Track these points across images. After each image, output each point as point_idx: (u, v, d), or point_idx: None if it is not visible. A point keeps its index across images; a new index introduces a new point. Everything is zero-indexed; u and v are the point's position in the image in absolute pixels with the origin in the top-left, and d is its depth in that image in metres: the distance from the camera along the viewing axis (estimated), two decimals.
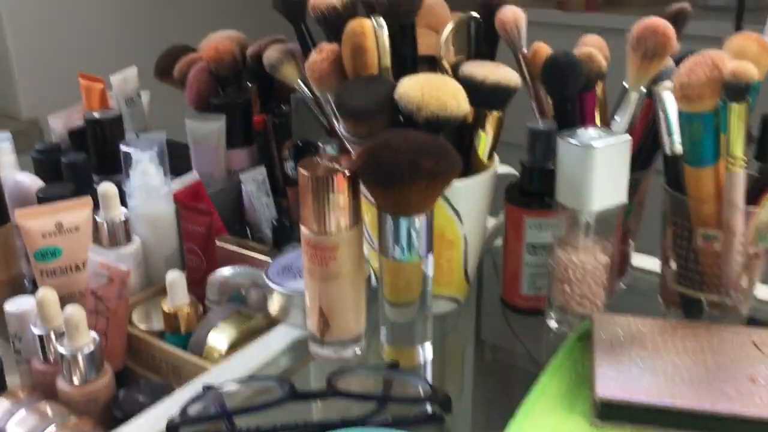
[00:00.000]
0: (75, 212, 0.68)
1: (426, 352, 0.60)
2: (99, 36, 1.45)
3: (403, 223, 0.55)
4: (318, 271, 0.57)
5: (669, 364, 0.53)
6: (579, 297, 0.61)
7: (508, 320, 0.67)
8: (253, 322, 0.64)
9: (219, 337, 0.62)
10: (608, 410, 0.51)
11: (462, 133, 0.62)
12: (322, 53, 0.61)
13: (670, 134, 0.60)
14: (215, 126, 0.81)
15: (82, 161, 0.76)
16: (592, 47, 0.64)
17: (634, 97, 0.61)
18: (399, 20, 0.62)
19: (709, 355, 0.54)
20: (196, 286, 0.70)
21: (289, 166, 0.82)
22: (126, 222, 0.70)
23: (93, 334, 0.58)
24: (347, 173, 0.54)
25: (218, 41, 0.84)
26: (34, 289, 0.69)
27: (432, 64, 0.66)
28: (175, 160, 0.81)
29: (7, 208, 0.71)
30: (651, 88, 0.62)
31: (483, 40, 0.66)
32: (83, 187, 0.74)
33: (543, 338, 0.65)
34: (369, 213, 0.62)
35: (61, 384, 0.58)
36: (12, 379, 0.64)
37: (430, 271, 0.57)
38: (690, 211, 0.59)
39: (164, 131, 0.85)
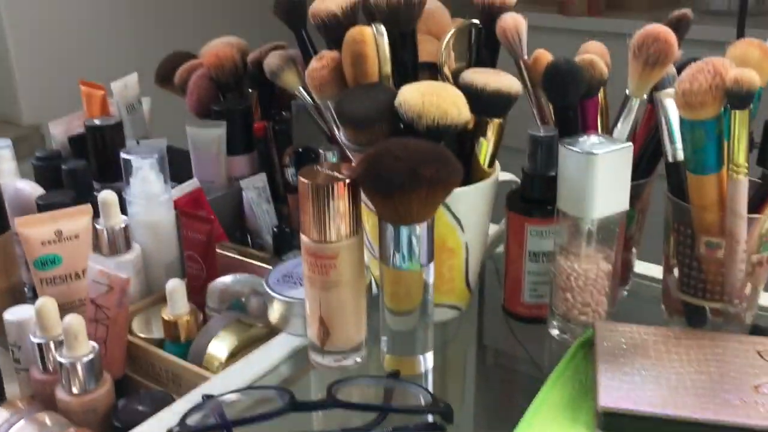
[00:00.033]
0: (75, 220, 0.68)
1: (427, 361, 0.60)
2: (100, 42, 1.45)
3: (404, 231, 0.54)
4: (318, 280, 0.57)
5: (672, 373, 0.53)
6: (581, 305, 0.61)
7: (510, 327, 0.67)
8: (254, 331, 0.64)
9: (219, 346, 0.62)
10: (611, 420, 0.50)
11: (463, 140, 0.62)
12: (321, 61, 0.61)
13: (672, 141, 0.60)
14: (216, 133, 0.81)
15: (82, 168, 0.76)
16: (594, 54, 0.64)
17: (635, 104, 0.61)
18: (399, 27, 0.61)
19: (713, 364, 0.54)
20: (197, 294, 0.70)
21: (289, 172, 0.82)
22: (126, 229, 0.70)
23: (92, 343, 0.58)
24: (347, 181, 0.54)
25: (219, 47, 0.84)
26: (34, 297, 0.69)
27: (433, 71, 0.66)
28: (176, 166, 0.81)
29: (6, 215, 0.71)
30: (653, 95, 0.62)
31: (484, 46, 0.66)
32: (83, 195, 0.74)
33: (545, 346, 0.65)
34: (370, 220, 0.62)
35: (60, 394, 0.57)
36: (11, 389, 0.64)
37: (431, 279, 0.57)
38: (693, 219, 0.59)
39: (165, 138, 0.85)
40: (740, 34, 1.52)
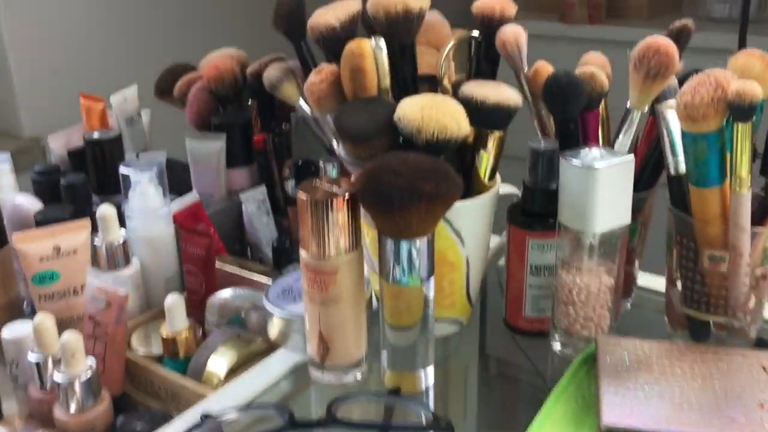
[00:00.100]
0: (73, 235, 0.67)
1: (428, 376, 0.59)
2: (100, 54, 1.45)
3: (404, 246, 0.54)
4: (318, 296, 0.56)
5: (676, 389, 0.52)
6: (583, 319, 0.60)
7: (513, 341, 0.66)
8: (253, 346, 0.63)
9: (218, 362, 0.61)
10: None
11: (463, 153, 0.61)
12: (320, 74, 0.61)
13: (674, 154, 0.60)
14: (215, 145, 0.80)
15: (81, 182, 0.76)
16: (594, 65, 0.63)
17: (636, 117, 0.61)
18: (399, 40, 0.61)
19: (717, 380, 0.53)
20: (196, 308, 0.70)
21: (289, 185, 0.81)
22: (125, 244, 0.69)
23: (90, 360, 0.57)
24: (346, 196, 0.53)
25: (218, 60, 0.83)
26: (33, 312, 0.68)
27: (432, 83, 0.65)
28: (176, 179, 0.81)
29: (5, 230, 0.71)
30: (654, 107, 0.61)
31: (484, 58, 0.66)
32: (82, 209, 0.74)
33: (547, 361, 0.64)
34: (369, 234, 0.62)
35: (58, 412, 0.57)
36: (9, 406, 0.63)
37: (431, 294, 0.57)
38: (695, 232, 0.58)
39: (165, 151, 0.84)
40: (742, 42, 1.51)
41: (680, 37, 0.63)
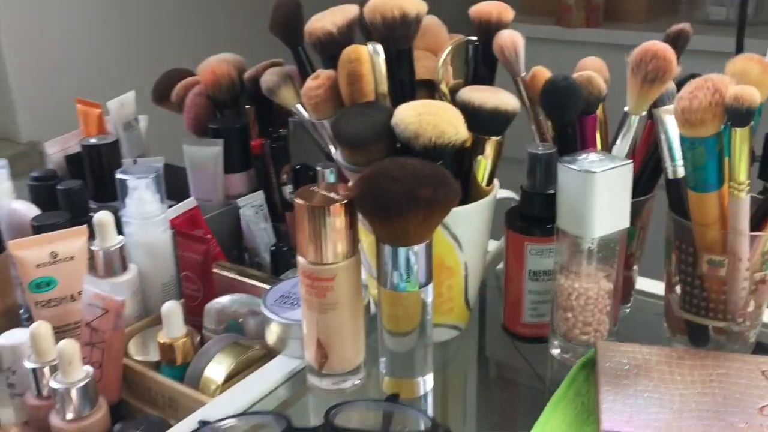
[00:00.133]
0: (70, 241, 0.67)
1: (426, 383, 0.59)
2: (98, 59, 1.45)
3: (402, 252, 0.54)
4: (315, 302, 0.56)
5: (676, 395, 0.52)
6: (582, 325, 0.60)
7: (512, 346, 0.66)
8: (251, 353, 0.63)
9: (216, 369, 0.61)
10: None
11: (461, 158, 0.61)
12: (317, 80, 0.60)
13: (672, 158, 0.59)
14: (213, 151, 0.80)
15: (77, 188, 0.75)
16: (592, 69, 0.63)
17: (634, 122, 0.61)
18: (396, 45, 0.61)
19: (717, 385, 0.53)
20: (194, 314, 0.69)
21: (287, 190, 0.81)
22: (122, 250, 0.69)
23: (87, 368, 0.57)
24: (344, 202, 0.53)
25: (215, 65, 0.83)
26: (30, 319, 0.68)
27: (430, 88, 0.65)
28: (174, 184, 0.81)
29: (2, 237, 0.70)
30: (652, 112, 0.61)
31: (481, 63, 0.66)
32: (79, 215, 0.74)
33: (546, 366, 0.64)
34: (367, 239, 0.61)
35: (55, 420, 0.56)
36: (6, 414, 0.63)
37: (429, 300, 0.56)
38: (694, 237, 0.58)
39: (162, 157, 0.84)
40: (739, 44, 1.51)
41: (678, 41, 0.63)
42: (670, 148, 0.59)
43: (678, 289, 0.61)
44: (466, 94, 0.59)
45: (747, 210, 0.56)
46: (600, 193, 0.56)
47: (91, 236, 0.69)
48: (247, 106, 0.85)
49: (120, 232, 0.70)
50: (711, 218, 0.56)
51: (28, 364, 0.59)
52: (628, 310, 0.70)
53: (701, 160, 0.55)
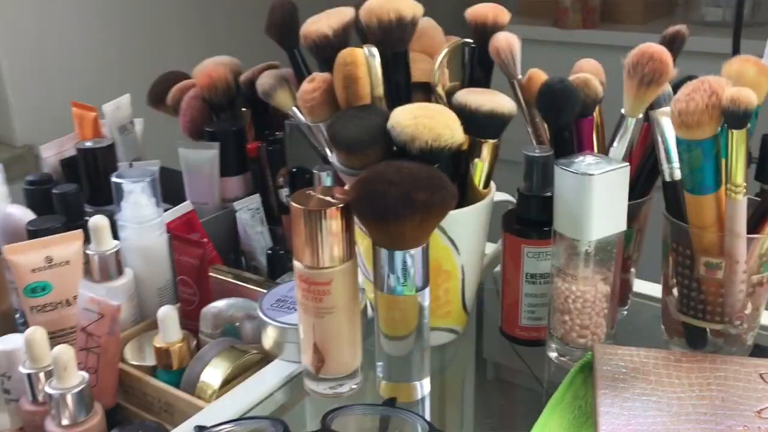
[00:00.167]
0: (65, 246, 0.67)
1: (424, 387, 0.58)
2: (94, 62, 1.45)
3: (398, 256, 0.53)
4: (312, 306, 0.56)
5: (674, 399, 0.52)
6: (579, 328, 0.60)
7: (510, 349, 0.66)
8: (248, 357, 0.63)
9: (212, 374, 0.61)
10: None
11: (458, 161, 0.61)
12: (313, 83, 0.60)
13: (669, 160, 0.59)
14: (209, 154, 0.80)
15: (73, 192, 0.75)
16: (588, 72, 0.63)
17: (631, 124, 0.60)
18: (392, 48, 0.61)
19: (715, 388, 0.53)
20: (190, 319, 0.69)
21: (283, 193, 0.81)
22: (118, 254, 0.69)
23: (82, 373, 0.57)
24: (340, 206, 0.53)
25: (211, 68, 0.83)
26: (26, 324, 0.68)
27: (426, 91, 0.65)
28: (170, 188, 0.80)
29: None
30: (649, 114, 0.61)
31: (478, 65, 0.65)
32: (75, 219, 0.73)
33: (544, 370, 0.64)
34: (363, 242, 0.61)
35: (50, 425, 0.56)
36: (1, 419, 0.62)
37: (426, 303, 0.56)
38: (691, 239, 0.58)
39: (158, 160, 0.84)
40: (736, 45, 1.51)
41: (674, 43, 0.63)
42: (667, 151, 0.59)
43: (675, 291, 0.61)
44: (463, 97, 0.59)
45: (744, 212, 0.56)
46: (597, 195, 0.56)
47: (87, 240, 0.68)
48: (243, 109, 0.85)
49: (115, 236, 0.70)
50: (708, 221, 0.56)
51: (23, 370, 0.58)
52: (625, 312, 0.70)
53: (698, 162, 0.55)
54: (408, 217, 0.51)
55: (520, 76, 0.64)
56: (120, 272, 0.69)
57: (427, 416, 0.58)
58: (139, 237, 0.70)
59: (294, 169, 0.79)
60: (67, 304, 0.66)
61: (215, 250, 0.77)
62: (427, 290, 0.56)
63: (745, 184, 0.55)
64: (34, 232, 0.69)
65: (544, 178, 0.61)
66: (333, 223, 0.53)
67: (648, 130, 0.64)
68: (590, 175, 0.55)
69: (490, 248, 0.71)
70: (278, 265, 0.76)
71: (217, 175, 0.81)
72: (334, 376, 0.58)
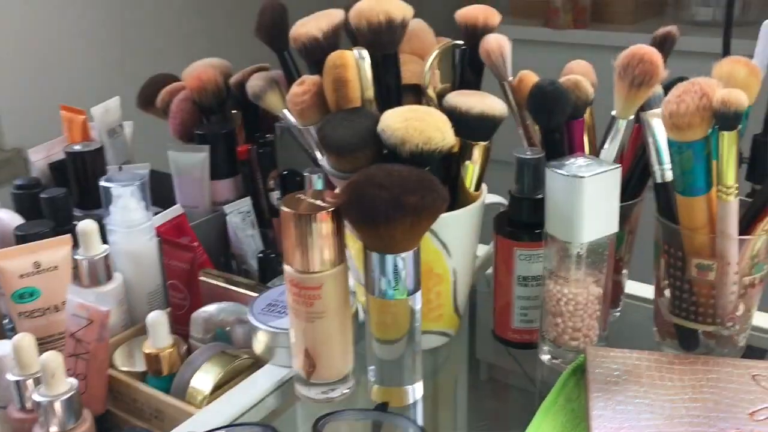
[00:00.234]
0: (53, 251, 0.66)
1: (416, 391, 0.58)
2: (83, 65, 1.44)
3: (389, 260, 0.53)
4: (302, 311, 0.55)
5: (667, 401, 0.52)
6: (572, 330, 0.60)
7: (503, 351, 0.66)
8: (239, 362, 0.62)
9: (203, 379, 0.60)
10: None
11: (448, 163, 0.61)
12: (303, 86, 0.60)
13: (660, 162, 0.59)
14: (199, 157, 0.79)
15: (61, 196, 0.74)
16: (579, 73, 0.63)
17: (622, 125, 0.60)
18: (382, 50, 0.60)
19: (708, 391, 0.53)
20: (181, 323, 0.69)
21: (274, 196, 0.81)
22: (107, 259, 0.68)
23: (71, 380, 0.56)
24: (331, 210, 0.53)
25: (201, 70, 0.82)
26: (14, 330, 0.67)
27: (417, 93, 0.65)
28: (160, 191, 0.80)
29: None
30: (639, 115, 0.61)
31: (468, 67, 0.65)
32: (64, 223, 0.73)
33: (536, 372, 0.63)
34: (355, 246, 0.61)
35: None
36: None
37: (418, 307, 0.56)
38: (683, 241, 0.58)
39: (148, 163, 0.83)
40: (726, 45, 1.52)
41: (665, 44, 0.63)
42: (658, 152, 0.59)
43: (667, 293, 0.61)
44: (453, 99, 0.59)
45: (735, 214, 0.55)
46: (588, 198, 0.55)
47: (75, 245, 0.68)
48: (233, 112, 0.84)
49: (105, 240, 0.69)
50: (699, 222, 0.56)
51: (11, 377, 0.58)
52: (617, 314, 0.70)
53: (689, 164, 0.54)
54: (398, 221, 0.51)
55: (510, 78, 0.63)
56: (109, 277, 0.68)
57: (420, 420, 0.57)
58: (128, 241, 0.70)
59: (285, 172, 0.78)
60: (55, 309, 0.66)
61: (206, 253, 0.76)
62: (418, 294, 0.55)
63: (736, 185, 0.55)
64: (22, 237, 0.69)
65: (536, 180, 0.61)
66: (323, 227, 0.53)
67: (639, 131, 0.64)
68: (581, 177, 0.55)
69: (483, 250, 0.71)
70: (269, 269, 0.76)
71: (208, 178, 0.80)
72: (326, 380, 0.57)
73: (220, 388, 0.60)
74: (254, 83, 0.73)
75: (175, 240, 0.71)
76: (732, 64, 0.57)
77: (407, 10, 0.60)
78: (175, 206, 0.77)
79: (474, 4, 0.64)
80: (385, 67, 0.61)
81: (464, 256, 0.63)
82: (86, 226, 0.67)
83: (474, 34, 0.63)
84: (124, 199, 0.69)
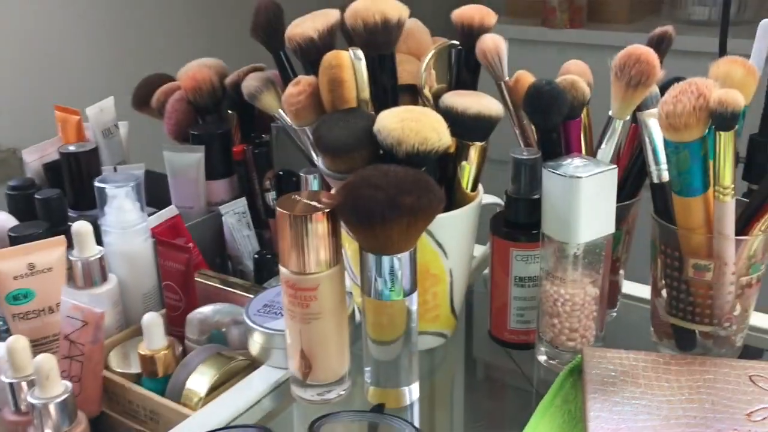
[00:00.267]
0: (48, 252, 0.66)
1: (412, 392, 0.58)
2: (78, 64, 1.43)
3: (386, 261, 0.53)
4: (298, 312, 0.55)
5: (664, 402, 0.52)
6: (569, 331, 0.60)
7: (500, 351, 0.66)
8: (234, 364, 0.62)
9: (198, 381, 0.60)
10: None
11: (445, 163, 0.61)
12: (298, 86, 0.59)
13: (656, 162, 0.59)
14: (194, 157, 0.79)
15: (56, 197, 0.74)
16: (575, 73, 0.63)
17: (618, 126, 0.60)
18: (378, 50, 0.60)
19: (705, 391, 0.53)
20: (176, 324, 0.68)
21: (270, 196, 0.80)
22: (102, 260, 0.68)
23: (65, 382, 0.56)
24: (326, 211, 0.52)
25: (196, 70, 0.82)
26: (8, 332, 0.67)
27: (413, 93, 0.65)
28: (156, 191, 0.79)
29: None
30: (636, 115, 0.61)
31: (464, 67, 0.65)
32: (58, 224, 0.72)
33: (533, 373, 0.63)
34: (351, 246, 0.61)
35: None
36: None
37: (414, 308, 0.56)
38: (680, 241, 0.58)
39: (143, 164, 0.83)
40: (722, 44, 1.52)
41: (661, 44, 0.63)
42: (655, 152, 0.59)
43: (664, 293, 0.61)
44: (449, 100, 0.59)
45: (732, 214, 0.55)
46: (585, 198, 0.55)
47: (70, 246, 0.67)
48: (229, 111, 0.84)
49: (99, 241, 0.69)
50: (696, 222, 0.56)
51: (5, 379, 0.57)
52: (614, 314, 0.69)
53: (686, 164, 0.54)
54: (395, 222, 0.50)
55: (507, 78, 0.63)
56: (104, 278, 0.68)
57: (416, 422, 0.57)
58: (123, 242, 0.69)
59: (280, 172, 0.78)
60: (50, 311, 0.65)
61: (201, 254, 0.76)
62: (415, 294, 0.55)
63: (733, 185, 0.55)
64: (16, 238, 0.68)
65: (532, 180, 0.61)
66: (319, 228, 0.53)
67: (636, 131, 0.64)
68: (578, 177, 0.55)
69: (480, 250, 0.71)
70: (265, 269, 0.76)
71: (203, 179, 0.80)
72: (322, 382, 0.57)
73: (215, 389, 0.60)
74: (250, 83, 0.72)
75: (170, 241, 0.71)
76: (729, 64, 0.57)
77: (403, 10, 0.60)
78: (170, 207, 0.76)
79: (470, 4, 0.64)
80: (381, 67, 0.61)
81: (461, 256, 0.63)
82: (81, 227, 0.67)
83: (470, 34, 0.63)
84: (118, 200, 0.69)
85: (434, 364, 0.65)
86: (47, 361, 0.54)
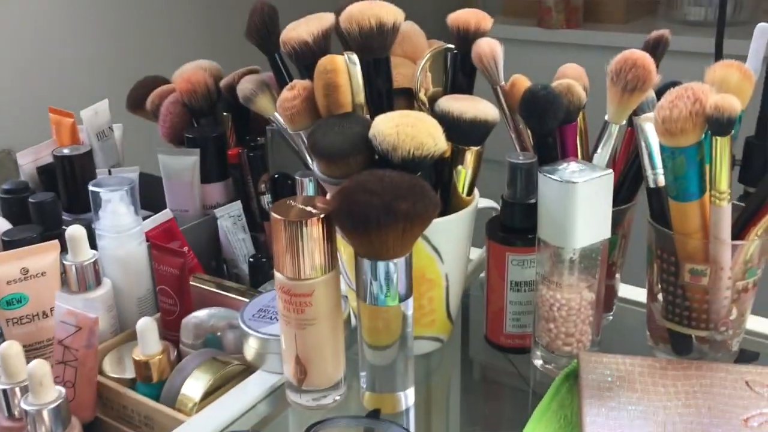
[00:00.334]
0: (41, 257, 0.65)
1: (408, 397, 0.58)
2: (72, 66, 1.43)
3: (381, 266, 0.53)
4: (293, 318, 0.55)
5: (660, 407, 0.52)
6: (565, 335, 0.60)
7: (497, 356, 0.65)
8: (230, 369, 0.62)
9: (193, 386, 0.60)
10: None
11: (440, 168, 0.60)
12: (293, 91, 0.59)
13: (653, 166, 0.59)
14: (189, 160, 0.79)
15: (50, 201, 0.74)
16: (571, 77, 0.63)
17: (615, 130, 0.60)
18: (373, 54, 0.60)
19: (701, 396, 0.52)
20: (171, 329, 0.68)
21: (265, 200, 0.80)
22: (96, 264, 0.67)
23: (59, 388, 0.55)
24: (322, 216, 0.52)
25: (191, 72, 0.82)
26: (2, 337, 0.66)
27: (409, 96, 0.64)
28: (150, 194, 0.79)
29: None
30: (632, 119, 0.60)
31: (460, 71, 0.65)
32: (52, 228, 0.72)
33: (529, 378, 0.63)
34: (346, 251, 0.60)
35: None
36: None
37: (410, 313, 0.55)
38: (676, 246, 0.58)
39: (138, 167, 0.83)
40: (718, 45, 1.52)
41: (657, 49, 0.63)
42: (651, 157, 0.59)
43: (660, 297, 0.60)
44: (445, 104, 0.58)
45: (728, 218, 0.55)
46: (581, 203, 0.55)
47: (64, 250, 0.67)
48: (224, 114, 0.84)
49: (93, 245, 0.68)
50: (692, 227, 0.56)
51: None
52: (611, 318, 0.69)
53: (682, 169, 0.54)
54: (390, 227, 0.50)
55: (503, 83, 0.63)
56: (98, 283, 0.67)
57: (412, 427, 0.57)
58: (117, 246, 0.69)
59: (276, 175, 0.78)
60: (44, 316, 0.65)
61: (196, 258, 0.76)
62: (410, 300, 0.55)
63: (729, 190, 0.55)
64: (9, 242, 0.68)
65: (528, 185, 0.60)
66: (314, 234, 0.52)
67: (632, 135, 0.64)
68: (574, 182, 0.55)
69: (477, 254, 0.71)
70: (260, 273, 0.76)
71: (198, 182, 0.80)
72: (317, 387, 0.57)
73: (210, 394, 0.60)
74: (245, 86, 0.72)
75: (165, 245, 0.71)
76: (725, 68, 0.57)
77: (398, 14, 0.60)
78: (165, 210, 0.76)
79: (466, 8, 0.64)
80: (376, 71, 0.60)
81: (457, 261, 0.63)
82: (75, 231, 0.66)
83: (466, 38, 0.63)
84: (113, 204, 0.69)
85: (430, 369, 0.65)
86: (40, 367, 0.54)
